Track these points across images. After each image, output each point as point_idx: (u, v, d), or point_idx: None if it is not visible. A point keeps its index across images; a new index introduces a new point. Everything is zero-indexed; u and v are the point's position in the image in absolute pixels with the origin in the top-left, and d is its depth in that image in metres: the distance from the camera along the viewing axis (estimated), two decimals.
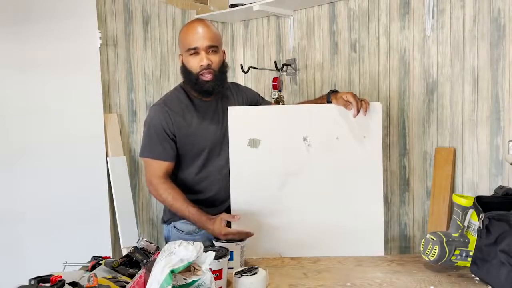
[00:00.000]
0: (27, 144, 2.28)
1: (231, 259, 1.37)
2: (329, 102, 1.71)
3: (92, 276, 1.18)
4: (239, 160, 1.69)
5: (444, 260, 1.34)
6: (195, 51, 1.66)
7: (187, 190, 1.73)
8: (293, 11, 2.87)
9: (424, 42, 2.34)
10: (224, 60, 1.74)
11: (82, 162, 2.43)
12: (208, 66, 1.66)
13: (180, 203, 1.66)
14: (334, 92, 1.72)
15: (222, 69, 1.72)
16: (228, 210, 1.71)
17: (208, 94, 1.72)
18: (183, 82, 1.80)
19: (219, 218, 1.58)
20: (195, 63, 1.67)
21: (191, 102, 1.74)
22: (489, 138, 2.15)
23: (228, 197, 1.72)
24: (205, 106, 1.75)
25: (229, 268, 1.34)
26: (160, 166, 1.69)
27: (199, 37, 1.66)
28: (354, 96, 1.63)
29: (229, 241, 1.45)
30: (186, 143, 1.71)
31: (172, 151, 1.70)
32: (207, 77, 1.67)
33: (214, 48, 1.68)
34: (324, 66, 2.77)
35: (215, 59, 1.68)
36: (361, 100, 1.63)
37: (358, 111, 1.61)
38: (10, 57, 2.24)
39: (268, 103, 1.99)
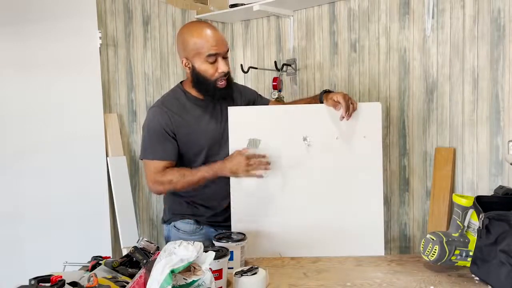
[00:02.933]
0: (27, 144, 2.28)
1: (231, 259, 1.37)
2: (321, 102, 1.71)
3: (92, 276, 1.18)
4: None
5: (444, 260, 1.34)
6: (215, 58, 1.65)
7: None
8: (293, 11, 2.87)
9: (424, 42, 2.34)
10: None
11: (82, 162, 2.43)
12: (226, 73, 1.67)
13: (188, 172, 1.65)
14: (326, 92, 1.72)
15: (230, 73, 1.74)
16: (228, 209, 1.71)
17: (222, 99, 1.73)
18: (181, 82, 1.81)
19: (235, 152, 1.63)
20: (213, 70, 1.66)
21: (189, 102, 1.74)
22: (489, 138, 2.15)
23: (227, 196, 1.72)
24: (204, 106, 1.75)
25: (229, 268, 1.34)
26: (162, 165, 1.68)
27: (218, 42, 1.64)
28: (344, 96, 1.62)
29: (228, 240, 1.45)
30: (185, 142, 1.71)
31: (174, 150, 1.70)
32: (223, 83, 1.68)
33: (227, 53, 1.69)
34: (324, 66, 2.77)
35: (228, 64, 1.70)
36: (351, 102, 1.63)
37: (346, 113, 1.61)
38: (10, 57, 2.24)
39: (267, 100, 1.98)
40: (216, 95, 1.71)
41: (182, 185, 1.67)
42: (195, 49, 1.65)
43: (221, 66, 1.65)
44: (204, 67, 1.66)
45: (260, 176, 1.65)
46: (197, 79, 1.69)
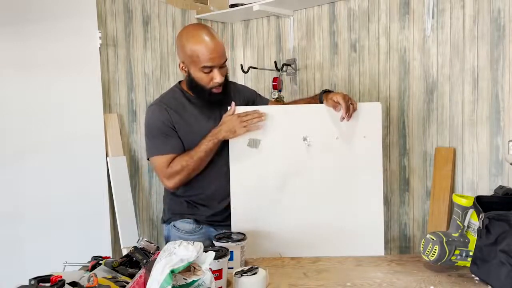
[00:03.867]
0: (27, 144, 2.28)
1: (231, 259, 1.37)
2: (321, 102, 1.71)
3: (92, 276, 1.18)
4: (239, 160, 1.69)
5: (444, 260, 1.34)
6: (211, 69, 1.65)
7: (187, 188, 1.74)
8: (293, 11, 2.87)
9: (424, 42, 2.34)
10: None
11: (82, 162, 2.43)
12: (221, 83, 1.68)
13: (193, 152, 1.66)
14: (326, 92, 1.72)
15: (226, 78, 1.73)
16: (227, 208, 1.72)
17: (217, 105, 1.73)
18: (179, 82, 1.81)
19: (225, 116, 1.67)
20: (208, 79, 1.66)
21: (187, 102, 1.75)
22: (489, 138, 2.15)
23: (227, 195, 1.72)
24: (202, 106, 1.75)
25: (229, 268, 1.34)
26: (170, 159, 1.68)
27: (215, 55, 1.63)
28: (344, 97, 1.62)
29: (228, 240, 1.45)
30: (185, 141, 1.71)
31: (178, 143, 1.70)
32: (218, 90, 1.69)
33: (224, 62, 1.69)
34: (324, 66, 2.77)
35: (224, 73, 1.69)
36: (351, 103, 1.63)
37: (346, 114, 1.61)
38: (10, 57, 2.24)
39: (266, 100, 1.98)
40: (211, 100, 1.71)
41: (194, 166, 1.67)
42: (191, 56, 1.65)
43: (216, 77, 1.65)
44: (199, 75, 1.66)
45: (258, 128, 1.66)
46: (192, 84, 1.71)
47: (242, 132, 1.64)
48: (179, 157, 1.68)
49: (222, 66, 1.67)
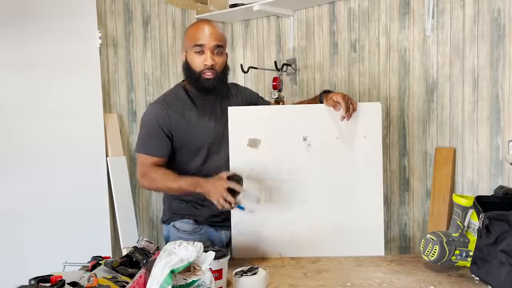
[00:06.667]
0: (27, 144, 2.28)
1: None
2: (321, 102, 1.71)
3: (92, 276, 1.18)
4: (239, 160, 1.69)
5: (444, 260, 1.34)
6: (201, 49, 1.67)
7: None
8: (293, 11, 2.87)
9: (424, 42, 2.34)
10: (226, 62, 1.75)
11: (82, 162, 2.43)
12: (212, 67, 1.68)
13: (173, 177, 1.64)
14: (326, 92, 1.73)
15: (224, 71, 1.74)
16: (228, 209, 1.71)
17: (208, 92, 1.72)
18: (183, 80, 1.81)
19: (219, 177, 1.57)
20: (199, 62, 1.68)
21: (190, 100, 1.75)
22: (489, 138, 2.15)
23: None
24: (204, 104, 1.75)
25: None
26: (152, 161, 1.69)
27: (207, 35, 1.67)
28: (344, 97, 1.62)
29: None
30: (185, 140, 1.71)
31: (165, 148, 1.70)
32: (209, 75, 1.69)
33: (219, 48, 1.69)
34: (324, 66, 2.77)
35: (219, 60, 1.70)
36: (350, 102, 1.63)
37: (346, 113, 1.61)
38: (10, 57, 2.24)
39: (268, 102, 1.99)
40: (202, 86, 1.70)
41: (163, 188, 1.70)
42: (187, 39, 1.72)
43: (207, 59, 1.67)
44: (191, 57, 1.70)
45: (222, 207, 1.54)
46: (186, 69, 1.73)
47: (213, 200, 1.55)
48: (160, 170, 1.67)
49: (216, 52, 1.68)
